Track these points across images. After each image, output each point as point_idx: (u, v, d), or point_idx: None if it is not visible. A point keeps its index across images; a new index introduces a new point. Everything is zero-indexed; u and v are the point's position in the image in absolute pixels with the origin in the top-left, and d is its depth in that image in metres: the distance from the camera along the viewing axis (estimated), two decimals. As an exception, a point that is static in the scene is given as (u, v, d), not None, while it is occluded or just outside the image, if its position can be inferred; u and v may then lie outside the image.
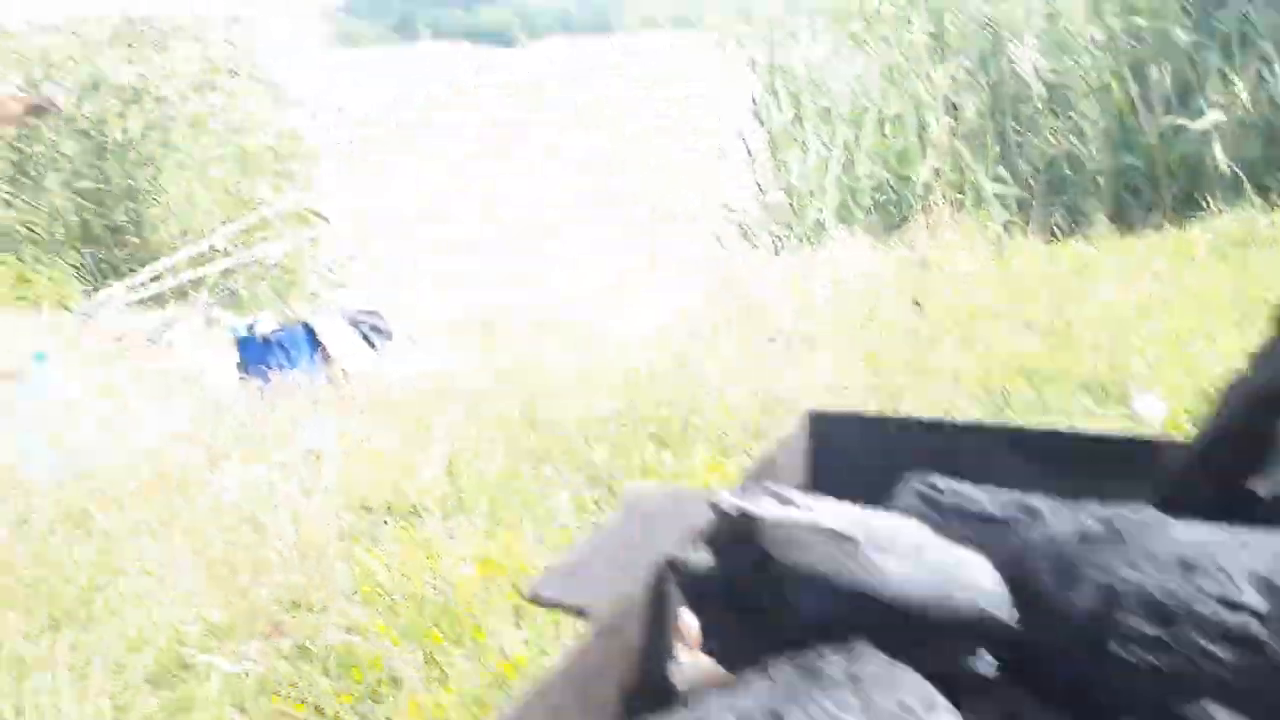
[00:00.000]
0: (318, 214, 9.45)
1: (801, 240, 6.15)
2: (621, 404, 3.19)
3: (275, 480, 2.68)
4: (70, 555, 2.33)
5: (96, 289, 7.14)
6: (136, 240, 8.06)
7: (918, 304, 4.13)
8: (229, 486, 2.66)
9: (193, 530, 2.41)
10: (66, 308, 6.68)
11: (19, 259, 7.23)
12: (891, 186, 6.17)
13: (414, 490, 2.58)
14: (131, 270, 7.29)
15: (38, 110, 4.46)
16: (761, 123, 7.06)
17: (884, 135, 6.26)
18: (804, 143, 6.43)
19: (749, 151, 7.08)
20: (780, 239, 6.18)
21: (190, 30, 8.53)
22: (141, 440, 3.29)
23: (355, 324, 4.49)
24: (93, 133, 7.77)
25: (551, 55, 22.08)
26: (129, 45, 8.06)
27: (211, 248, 7.58)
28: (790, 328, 4.19)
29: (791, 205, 6.31)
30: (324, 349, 4.09)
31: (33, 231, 7.36)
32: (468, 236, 10.78)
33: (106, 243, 8.00)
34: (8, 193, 7.34)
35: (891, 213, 6.03)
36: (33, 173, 7.62)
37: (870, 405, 2.94)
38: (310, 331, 4.13)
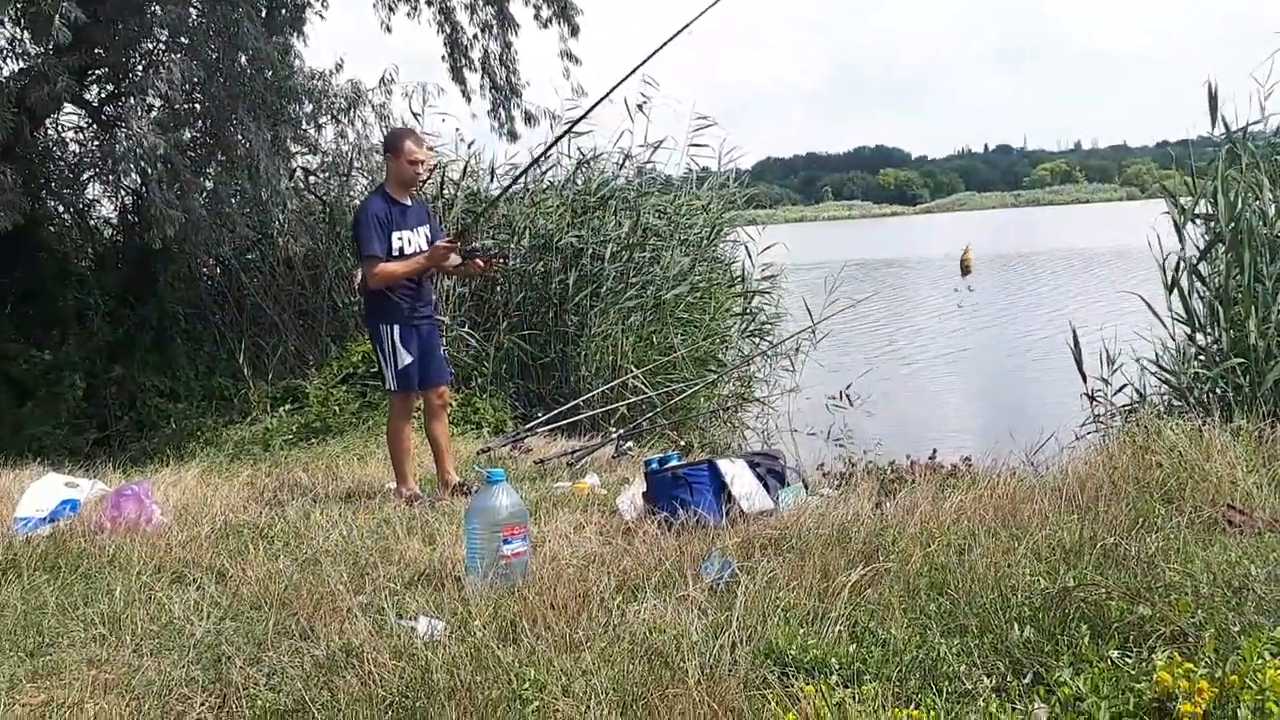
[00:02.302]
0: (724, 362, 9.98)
1: (1254, 407, 5.33)
2: (1044, 577, 2.88)
3: (681, 616, 2.73)
4: (500, 665, 2.50)
5: (526, 417, 8.02)
6: (560, 375, 9.01)
7: None
8: (639, 617, 2.74)
9: (608, 657, 2.50)
10: (501, 431, 7.55)
11: (469, 388, 8.36)
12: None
13: (819, 645, 2.48)
14: (556, 401, 8.13)
15: (480, 256, 5.20)
16: (1204, 280, 6.35)
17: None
18: (1264, 300, 5.65)
19: (1187, 311, 6.37)
20: (1231, 404, 5.40)
21: (626, 199, 9.68)
22: (561, 560, 3.54)
23: (753, 466, 4.55)
24: (538, 285, 8.95)
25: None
26: (574, 213, 9.28)
27: (623, 385, 8.25)
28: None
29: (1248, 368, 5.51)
30: (727, 489, 4.18)
31: (483, 365, 8.52)
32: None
33: (537, 377, 9.03)
34: (469, 333, 8.61)
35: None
36: (489, 318, 8.90)
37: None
38: (715, 470, 4.25)
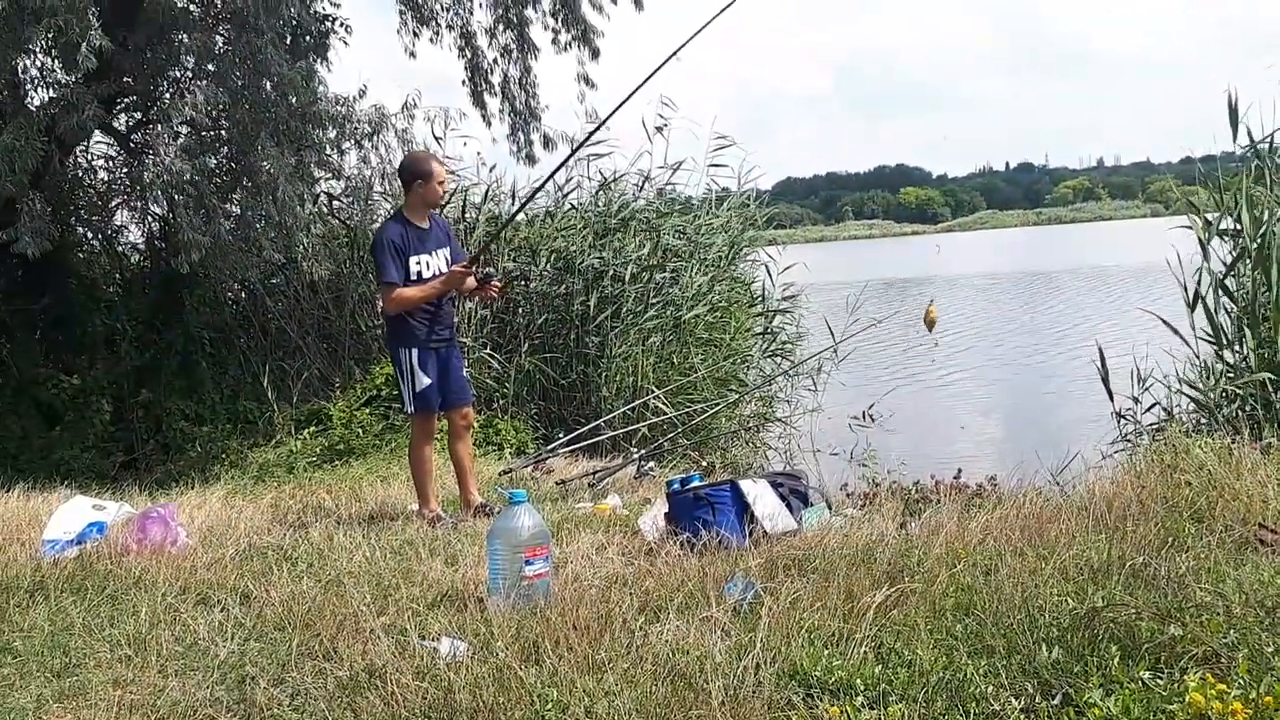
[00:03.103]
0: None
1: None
2: (1072, 597, 2.84)
3: (705, 637, 2.71)
4: (523, 686, 2.49)
5: (547, 438, 8.02)
6: (581, 396, 9.03)
7: None
8: (662, 638, 2.72)
9: (631, 678, 2.48)
10: (523, 452, 7.56)
11: (491, 410, 8.38)
12: None
13: (844, 666, 2.46)
14: (577, 422, 8.13)
15: (496, 280, 5.25)
16: (1231, 296, 6.27)
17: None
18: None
19: (1214, 328, 6.30)
20: (1260, 422, 5.32)
21: (646, 220, 9.73)
22: (583, 580, 3.53)
23: (776, 486, 4.52)
24: (560, 307, 8.99)
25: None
26: (596, 234, 9.33)
27: (644, 405, 8.24)
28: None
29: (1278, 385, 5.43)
30: (749, 509, 4.16)
31: (504, 387, 8.54)
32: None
33: (559, 398, 9.04)
34: (490, 355, 8.65)
35: None
36: (511, 340, 8.94)
37: None
38: (737, 491, 4.23)
